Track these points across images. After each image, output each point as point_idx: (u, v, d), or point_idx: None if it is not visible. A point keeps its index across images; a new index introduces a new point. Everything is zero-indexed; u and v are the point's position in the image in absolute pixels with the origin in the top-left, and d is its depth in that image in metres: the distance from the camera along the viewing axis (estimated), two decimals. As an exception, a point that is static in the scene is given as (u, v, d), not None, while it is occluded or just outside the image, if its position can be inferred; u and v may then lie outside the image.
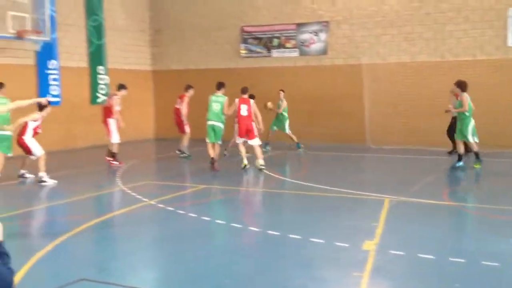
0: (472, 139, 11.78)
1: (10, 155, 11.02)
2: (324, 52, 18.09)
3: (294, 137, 16.16)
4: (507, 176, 11.63)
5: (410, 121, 16.02)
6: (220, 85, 12.67)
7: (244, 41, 19.13)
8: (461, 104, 11.90)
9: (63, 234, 6.96)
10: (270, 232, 6.98)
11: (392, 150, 15.53)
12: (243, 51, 19.17)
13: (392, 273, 5.55)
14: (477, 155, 11.90)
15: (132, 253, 6.33)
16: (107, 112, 13.25)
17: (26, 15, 14.39)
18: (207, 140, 12.40)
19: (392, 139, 16.21)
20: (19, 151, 11.10)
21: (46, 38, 14.91)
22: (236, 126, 12.44)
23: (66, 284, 5.11)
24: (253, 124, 12.10)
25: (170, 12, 20.23)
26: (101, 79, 17.85)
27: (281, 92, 16.32)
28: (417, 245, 6.46)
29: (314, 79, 17.99)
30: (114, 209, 9.20)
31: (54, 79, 16.17)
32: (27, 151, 10.86)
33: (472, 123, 11.82)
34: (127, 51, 19.36)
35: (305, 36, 18.31)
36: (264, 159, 12.19)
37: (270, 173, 11.94)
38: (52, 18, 15.50)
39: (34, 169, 11.04)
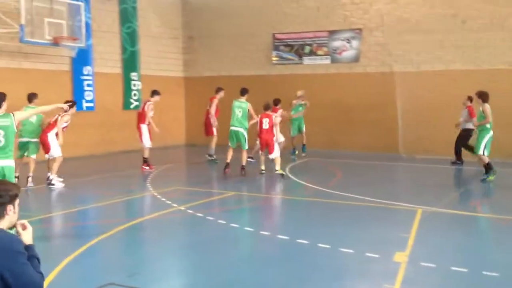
0: (483, 152, 11.28)
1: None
2: (356, 59, 17.94)
3: (294, 142, 16.08)
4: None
5: (443, 130, 15.69)
6: (243, 91, 12.87)
7: (276, 48, 19.13)
8: (483, 116, 11.44)
9: (93, 238, 7.05)
10: (299, 240, 6.91)
11: (425, 159, 15.26)
12: (275, 58, 19.16)
13: (423, 286, 5.43)
14: (488, 167, 11.39)
15: (160, 258, 6.35)
16: (141, 117, 13.44)
17: (63, 21, 14.66)
18: (229, 145, 12.61)
19: (425, 149, 15.92)
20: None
21: (81, 44, 15.17)
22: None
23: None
24: (274, 138, 12.33)
25: (203, 19, 20.39)
26: (134, 85, 18.07)
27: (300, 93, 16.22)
28: (449, 257, 6.32)
29: (345, 87, 17.83)
30: (144, 214, 9.27)
31: (88, 85, 16.45)
32: (47, 148, 10.97)
33: (489, 135, 11.35)
34: (160, 58, 19.58)
35: (337, 44, 18.20)
36: (293, 166, 12.14)
37: (300, 181, 11.88)
38: (88, 25, 15.79)
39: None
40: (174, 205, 9.14)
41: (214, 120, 14.55)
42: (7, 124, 6.91)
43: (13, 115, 6.97)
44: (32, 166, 10.93)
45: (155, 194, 10.22)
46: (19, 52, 14.55)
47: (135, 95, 18.05)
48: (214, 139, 14.73)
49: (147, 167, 13.25)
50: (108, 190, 10.87)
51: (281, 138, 15.00)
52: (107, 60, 17.34)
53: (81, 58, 16.04)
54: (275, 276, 5.69)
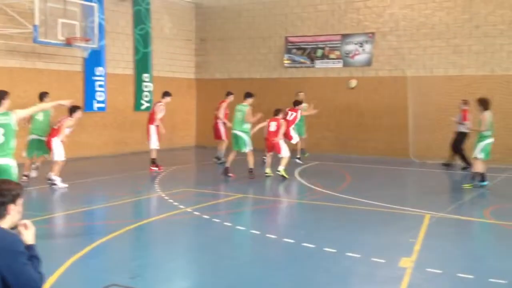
0: (479, 156, 11.02)
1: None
2: (368, 63, 17.84)
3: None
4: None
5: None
6: (247, 95, 12.91)
7: (288, 51, 19.09)
8: (480, 123, 11.20)
9: (99, 238, 7.06)
10: (305, 244, 6.87)
11: (436, 165, 15.11)
12: (287, 61, 19.12)
13: (428, 292, 5.36)
14: (475, 176, 11.09)
15: (165, 260, 6.33)
16: (150, 118, 13.50)
17: (76, 22, 14.75)
18: (233, 148, 12.76)
19: (436, 154, 15.75)
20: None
21: (94, 45, 15.26)
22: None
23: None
24: (280, 140, 12.51)
25: (215, 22, 20.42)
26: (145, 86, 18.14)
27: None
28: (456, 263, 6.24)
29: (357, 91, 17.69)
30: (150, 215, 9.27)
31: (100, 86, 16.53)
32: (50, 151, 11.06)
33: (486, 142, 11.07)
34: (172, 59, 19.64)
35: (349, 47, 18.12)
36: (303, 169, 12.09)
37: (307, 184, 11.83)
38: (101, 26, 15.88)
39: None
40: (181, 206, 9.12)
41: (225, 123, 14.58)
42: (7, 122, 6.85)
43: (13, 113, 6.93)
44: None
45: (163, 195, 10.22)
46: (33, 52, 14.67)
47: (146, 96, 18.12)
48: (224, 143, 14.76)
49: (156, 168, 13.27)
50: (116, 191, 10.89)
51: (296, 139, 14.99)
52: (119, 61, 17.42)
53: (94, 59, 16.13)
54: (279, 280, 5.65)
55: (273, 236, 7.46)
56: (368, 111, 17.50)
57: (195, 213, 8.72)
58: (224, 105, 14.73)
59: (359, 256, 6.35)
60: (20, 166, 8.20)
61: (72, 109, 11.13)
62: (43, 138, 11.21)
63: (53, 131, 11.04)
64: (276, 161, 12.54)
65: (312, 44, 18.70)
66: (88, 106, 16.05)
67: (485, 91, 15.35)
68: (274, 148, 12.62)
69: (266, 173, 12.51)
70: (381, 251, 6.60)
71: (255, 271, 5.95)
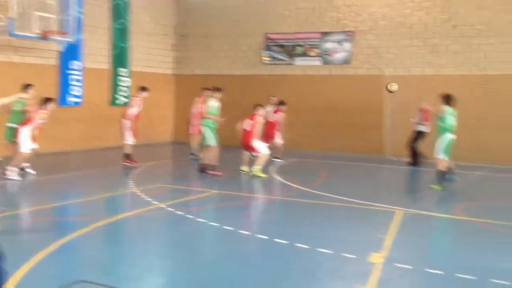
0: (442, 157, 10.85)
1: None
2: (347, 61, 17.92)
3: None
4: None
5: (430, 134, 15.63)
6: (214, 90, 12.64)
7: (268, 48, 19.08)
8: (441, 117, 10.87)
9: (70, 234, 6.96)
10: (277, 240, 6.85)
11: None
12: (266, 58, 19.11)
13: (396, 287, 5.37)
14: (441, 174, 10.87)
15: (137, 256, 6.26)
16: (126, 113, 13.35)
17: (53, 16, 14.55)
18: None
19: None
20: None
21: (70, 39, 15.06)
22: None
23: (64, 285, 5.03)
24: (253, 142, 12.24)
25: (196, 17, 20.32)
26: (122, 81, 17.98)
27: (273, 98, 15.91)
28: (425, 259, 6.28)
29: (336, 89, 17.81)
30: (123, 211, 9.15)
31: (77, 80, 16.33)
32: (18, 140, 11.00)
33: (447, 139, 10.82)
34: (151, 55, 19.48)
35: (329, 45, 18.17)
36: (281, 166, 12.06)
37: (284, 181, 11.83)
38: (78, 20, 15.66)
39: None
40: (155, 202, 9.05)
41: (194, 120, 14.39)
42: None
43: None
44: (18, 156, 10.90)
45: (137, 191, 10.11)
46: (9, 45, 14.44)
47: (123, 91, 17.96)
48: (195, 138, 14.63)
49: (130, 163, 13.11)
50: (89, 186, 10.76)
51: (279, 141, 14.97)
52: (96, 55, 17.22)
53: (70, 53, 15.92)
54: (251, 276, 5.64)
55: (246, 232, 7.45)
56: (346, 109, 17.57)
57: (169, 209, 8.65)
58: (197, 99, 14.54)
59: (330, 252, 6.36)
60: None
61: (46, 101, 11.03)
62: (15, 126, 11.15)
63: (25, 121, 10.96)
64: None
65: (291, 42, 18.71)
66: (63, 100, 15.84)
67: (462, 90, 15.53)
68: (249, 148, 12.48)
69: (242, 170, 12.45)
70: (352, 246, 6.63)
71: (228, 267, 5.92)
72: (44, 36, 14.15)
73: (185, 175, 12.69)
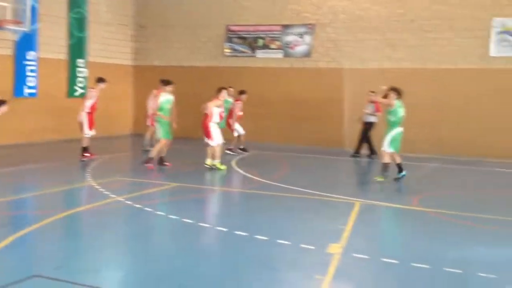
0: (387, 149, 10.93)
1: None
2: (308, 54, 18.03)
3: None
4: (485, 186, 11.67)
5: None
6: (164, 82, 12.41)
7: (229, 40, 19.00)
8: (389, 111, 10.91)
9: (23, 228, 6.78)
10: (237, 232, 6.86)
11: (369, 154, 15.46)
12: (227, 50, 19.04)
13: (353, 277, 5.47)
14: (384, 167, 11.00)
15: (93, 250, 6.15)
16: (83, 105, 13.05)
17: (7, 4, 14.10)
18: None
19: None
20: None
21: (25, 28, 14.64)
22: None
23: (16, 281, 4.91)
24: (210, 125, 12.00)
25: (155, 7, 20.04)
26: (80, 72, 17.60)
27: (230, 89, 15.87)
28: (382, 249, 6.41)
29: (297, 82, 17.91)
30: (80, 204, 8.98)
31: (32, 71, 15.88)
32: None
33: (394, 132, 10.88)
34: (109, 45, 19.11)
35: (290, 38, 18.24)
36: (242, 159, 12.05)
37: (245, 173, 11.84)
38: (34, 9, 15.22)
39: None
40: (113, 195, 8.90)
41: (151, 112, 14.16)
42: None
43: None
44: None
45: (94, 184, 9.93)
46: (-39, 35, 13.95)
47: (80, 82, 17.59)
48: (149, 130, 14.45)
49: (87, 155, 12.84)
50: (45, 180, 10.50)
51: (240, 131, 14.93)
52: (52, 45, 16.78)
53: (25, 43, 15.49)
54: (210, 268, 5.63)
55: (206, 225, 7.44)
56: (307, 101, 17.69)
57: (127, 202, 8.53)
58: (154, 92, 14.24)
59: (289, 243, 6.41)
60: None
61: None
62: None
63: None
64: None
65: (253, 34, 18.69)
66: (18, 91, 15.41)
67: (418, 84, 15.90)
68: (205, 132, 12.13)
69: (206, 164, 12.31)
70: (311, 237, 6.70)
71: (186, 259, 5.88)
72: (-3, 25, 13.72)
73: (143, 168, 12.49)
